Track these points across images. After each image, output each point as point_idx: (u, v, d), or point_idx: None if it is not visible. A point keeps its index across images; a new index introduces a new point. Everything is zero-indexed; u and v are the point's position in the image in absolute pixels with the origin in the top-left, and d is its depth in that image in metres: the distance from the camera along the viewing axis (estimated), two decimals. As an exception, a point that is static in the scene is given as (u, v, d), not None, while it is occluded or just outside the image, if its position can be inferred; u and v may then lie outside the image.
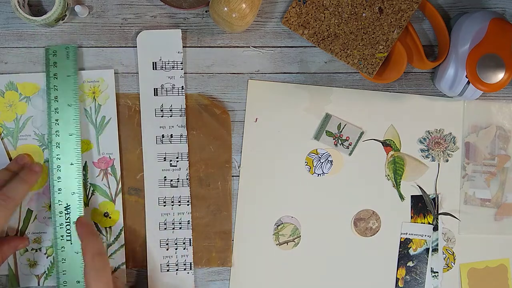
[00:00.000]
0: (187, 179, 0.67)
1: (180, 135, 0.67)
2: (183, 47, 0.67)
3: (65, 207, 0.64)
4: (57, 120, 0.65)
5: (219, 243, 0.68)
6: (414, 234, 0.70)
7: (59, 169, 0.64)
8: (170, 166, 0.67)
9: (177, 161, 0.67)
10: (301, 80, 0.69)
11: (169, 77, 0.66)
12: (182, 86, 0.67)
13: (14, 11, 0.61)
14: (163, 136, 0.66)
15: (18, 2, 0.61)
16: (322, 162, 0.69)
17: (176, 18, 0.67)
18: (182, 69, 0.66)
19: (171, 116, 0.66)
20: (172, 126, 0.66)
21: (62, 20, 0.64)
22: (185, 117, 0.67)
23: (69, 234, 0.64)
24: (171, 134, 0.66)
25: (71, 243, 0.64)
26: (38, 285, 0.67)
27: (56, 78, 0.65)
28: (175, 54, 0.66)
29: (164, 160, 0.67)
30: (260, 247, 0.69)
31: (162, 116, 0.66)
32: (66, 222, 0.64)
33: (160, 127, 0.66)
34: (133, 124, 0.67)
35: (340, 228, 0.70)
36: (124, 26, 0.66)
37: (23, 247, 0.66)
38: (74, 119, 0.65)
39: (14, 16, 0.65)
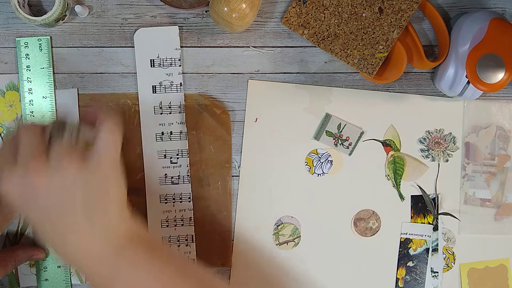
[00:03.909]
0: (187, 175, 0.67)
1: (180, 132, 0.66)
2: (183, 47, 0.67)
3: None
4: (32, 112, 0.65)
5: (219, 243, 0.68)
6: (414, 234, 0.70)
7: None
8: (171, 163, 0.67)
9: (178, 158, 0.67)
10: (301, 80, 0.69)
11: (167, 74, 0.66)
12: (181, 83, 0.66)
13: (14, 11, 0.61)
14: (162, 133, 0.66)
15: (18, 2, 0.61)
16: (322, 162, 0.69)
17: (176, 18, 0.67)
18: (180, 65, 0.66)
19: (170, 113, 0.66)
20: (172, 123, 0.66)
21: (62, 20, 0.64)
22: (184, 114, 0.66)
23: None
24: (171, 131, 0.66)
25: None
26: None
27: (29, 70, 0.65)
28: (172, 51, 0.66)
29: (165, 157, 0.67)
30: (260, 247, 0.69)
31: (161, 114, 0.66)
32: None
33: (160, 124, 0.66)
34: (133, 124, 0.67)
35: (340, 228, 0.70)
36: (124, 26, 0.66)
37: (38, 258, 0.65)
38: (50, 111, 0.65)
39: (14, 16, 0.65)
